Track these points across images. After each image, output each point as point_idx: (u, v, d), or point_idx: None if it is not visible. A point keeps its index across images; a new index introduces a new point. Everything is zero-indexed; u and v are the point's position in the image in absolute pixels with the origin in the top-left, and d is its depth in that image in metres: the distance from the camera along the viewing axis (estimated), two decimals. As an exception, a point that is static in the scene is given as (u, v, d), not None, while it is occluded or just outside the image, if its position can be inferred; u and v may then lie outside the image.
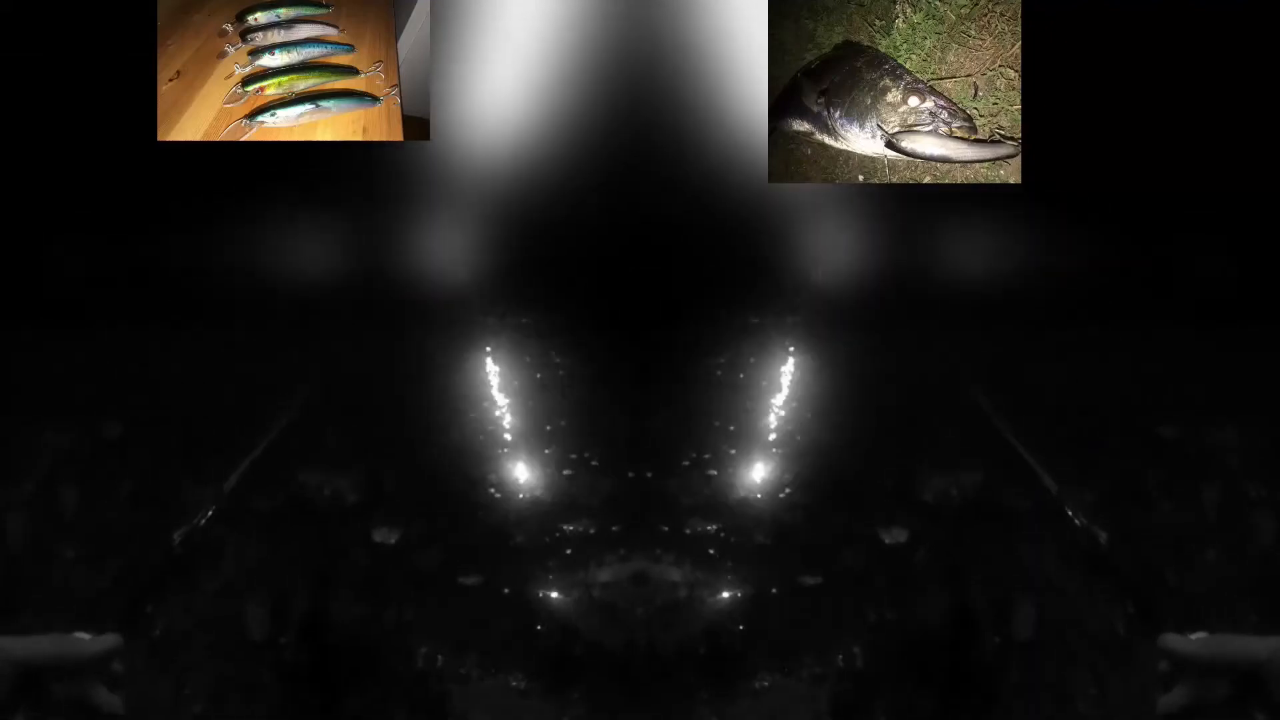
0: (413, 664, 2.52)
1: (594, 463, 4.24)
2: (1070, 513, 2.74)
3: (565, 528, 3.53)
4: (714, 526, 3.54)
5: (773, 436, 4.64)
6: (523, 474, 4.09)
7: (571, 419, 4.79)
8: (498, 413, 5.16)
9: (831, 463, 4.10)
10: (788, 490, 3.93)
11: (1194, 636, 1.01)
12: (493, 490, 3.91)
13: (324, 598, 2.54)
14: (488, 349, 6.19)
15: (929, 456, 3.85)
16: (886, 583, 2.90)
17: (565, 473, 4.14)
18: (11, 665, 0.94)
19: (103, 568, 2.80)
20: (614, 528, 3.44)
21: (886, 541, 3.16)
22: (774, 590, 2.99)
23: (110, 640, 1.02)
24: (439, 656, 2.59)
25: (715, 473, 3.93)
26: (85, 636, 1.02)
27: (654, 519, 3.61)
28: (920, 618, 2.65)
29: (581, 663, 2.75)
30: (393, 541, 3.18)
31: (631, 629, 2.87)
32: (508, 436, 4.70)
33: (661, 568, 3.26)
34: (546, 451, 4.44)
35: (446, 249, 6.44)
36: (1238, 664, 0.96)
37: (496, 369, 5.83)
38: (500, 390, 5.52)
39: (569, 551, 3.32)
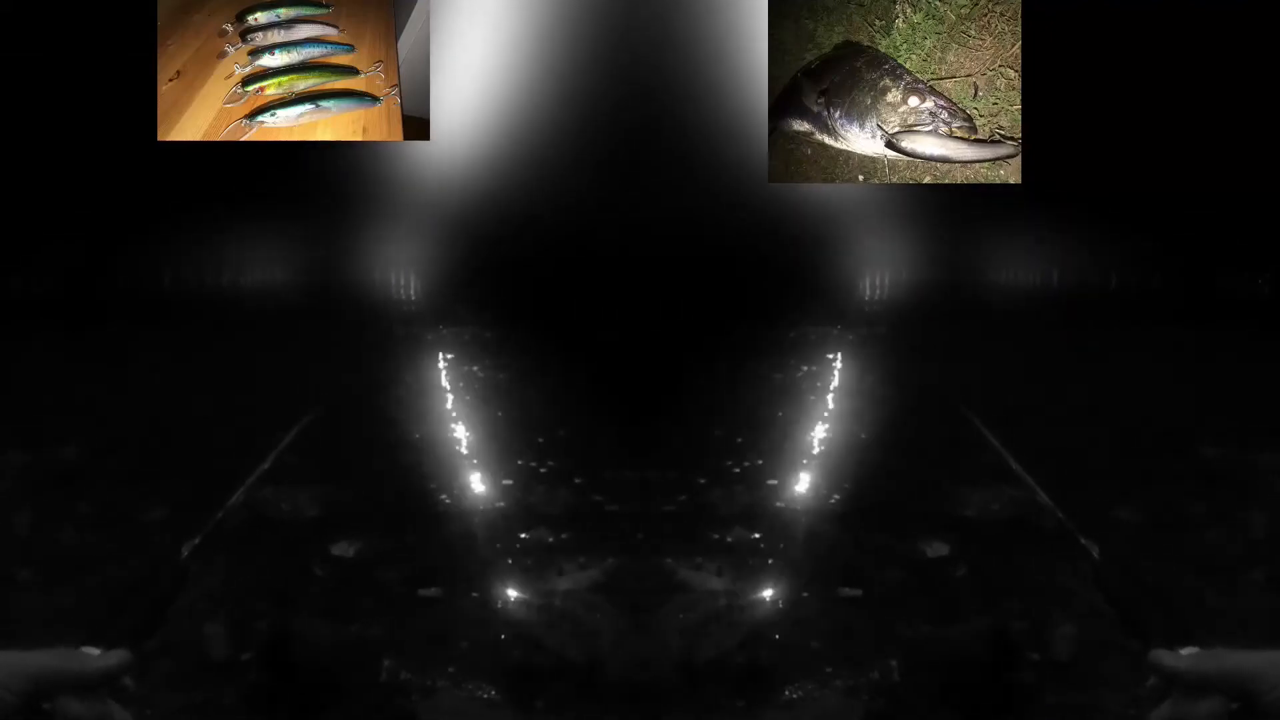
0: (377, 675, 2.49)
1: (605, 474, 4.23)
2: (1068, 527, 2.72)
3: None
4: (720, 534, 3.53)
5: (782, 444, 4.61)
6: (528, 483, 4.07)
7: (572, 426, 4.77)
8: (494, 418, 5.15)
9: (847, 472, 4.08)
10: (771, 498, 3.91)
11: (1184, 651, 1.01)
12: (445, 499, 3.91)
13: (286, 611, 2.51)
14: (480, 354, 6.18)
15: (961, 472, 3.82)
16: (926, 596, 2.87)
17: (575, 480, 4.13)
18: (21, 680, 0.94)
19: (57, 587, 2.78)
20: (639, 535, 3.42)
21: (929, 554, 3.12)
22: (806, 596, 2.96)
23: (120, 655, 1.03)
24: (403, 672, 2.56)
25: (775, 483, 3.86)
26: (94, 651, 1.03)
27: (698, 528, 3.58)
28: (958, 632, 2.63)
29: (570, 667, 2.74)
30: (351, 554, 3.15)
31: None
32: (492, 443, 4.69)
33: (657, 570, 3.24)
34: (550, 464, 4.43)
35: (444, 249, 6.42)
36: (1230, 679, 0.96)
37: (490, 374, 5.82)
38: (496, 392, 5.51)
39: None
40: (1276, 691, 0.91)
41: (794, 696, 2.35)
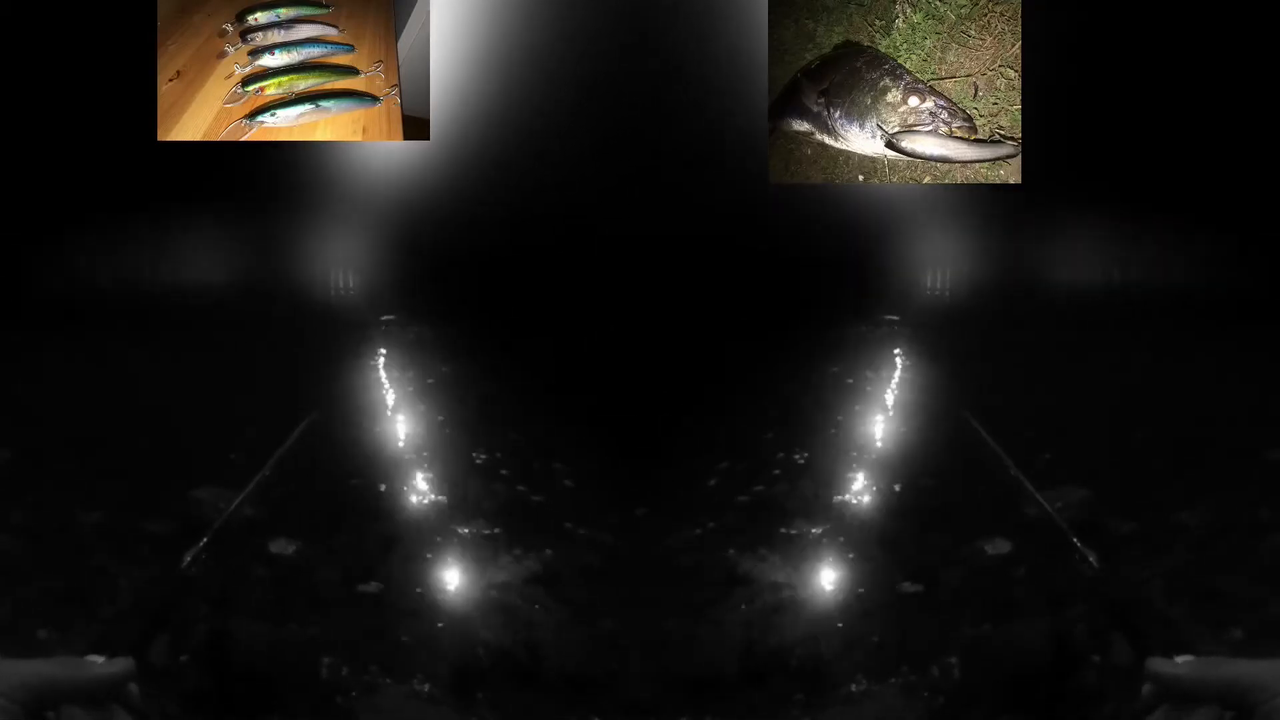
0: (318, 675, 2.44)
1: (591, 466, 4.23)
2: (1066, 530, 2.70)
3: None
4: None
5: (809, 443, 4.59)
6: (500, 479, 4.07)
7: (574, 428, 4.77)
8: (489, 418, 5.15)
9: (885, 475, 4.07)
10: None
11: (1180, 659, 1.01)
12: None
13: (223, 615, 2.47)
14: (479, 352, 6.18)
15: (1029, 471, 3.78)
16: (988, 597, 2.82)
17: (567, 483, 4.13)
18: (24, 690, 0.94)
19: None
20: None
21: (989, 552, 3.08)
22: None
23: (125, 663, 1.02)
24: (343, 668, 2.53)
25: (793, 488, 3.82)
26: (99, 659, 1.02)
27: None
28: (1018, 634, 2.59)
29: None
30: (290, 552, 3.09)
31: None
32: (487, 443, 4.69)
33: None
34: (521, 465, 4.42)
35: (444, 249, 6.44)
36: (1226, 688, 0.96)
37: (484, 374, 5.82)
38: (488, 395, 5.50)
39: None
40: (1274, 702, 0.91)
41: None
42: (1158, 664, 1.00)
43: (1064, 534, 2.63)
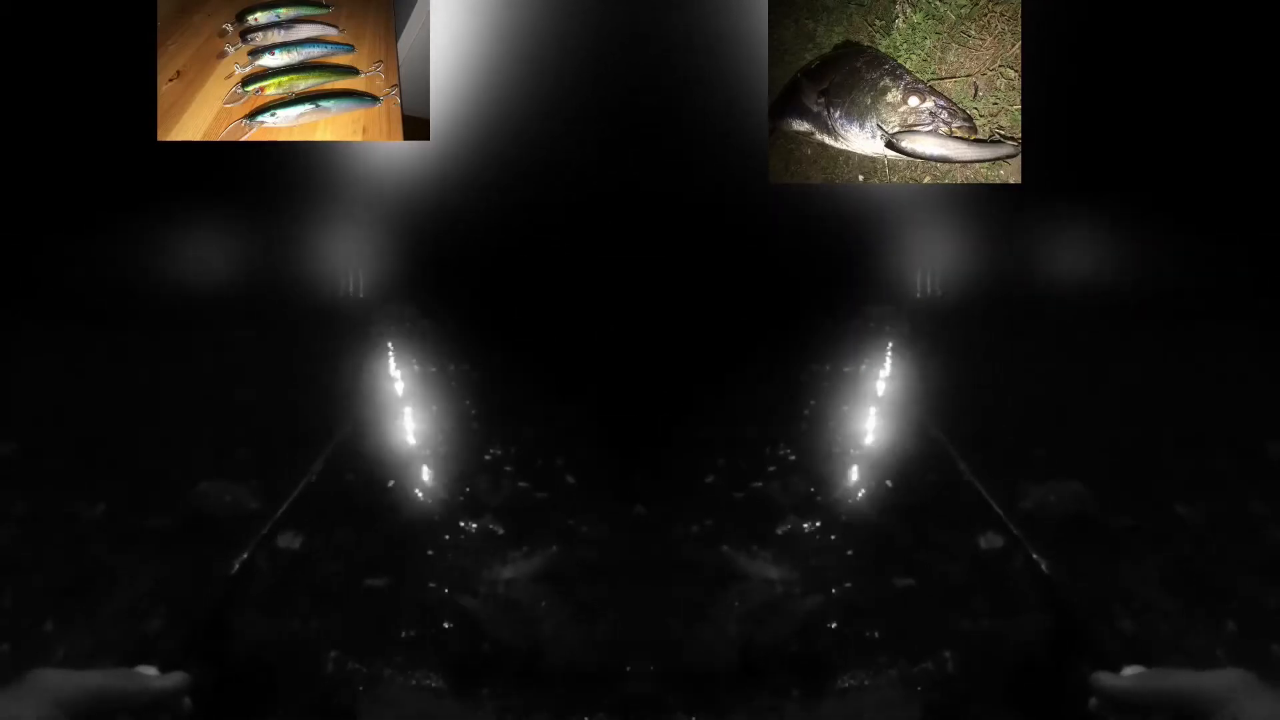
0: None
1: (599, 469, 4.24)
2: (1020, 539, 2.69)
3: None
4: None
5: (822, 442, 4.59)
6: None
7: (582, 426, 4.78)
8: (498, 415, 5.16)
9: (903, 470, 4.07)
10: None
11: (1127, 672, 1.00)
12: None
13: (228, 608, 2.46)
14: (485, 353, 6.18)
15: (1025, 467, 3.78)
16: (982, 591, 2.82)
17: (567, 480, 4.13)
18: (77, 701, 0.94)
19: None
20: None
21: (983, 547, 3.08)
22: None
23: (178, 677, 1.02)
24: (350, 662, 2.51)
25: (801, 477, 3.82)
26: (152, 671, 1.02)
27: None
28: (1013, 629, 2.58)
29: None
30: (296, 547, 3.08)
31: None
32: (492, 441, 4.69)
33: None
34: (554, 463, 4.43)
35: (444, 249, 6.43)
36: (1175, 700, 0.95)
37: (483, 374, 5.83)
38: (485, 394, 5.51)
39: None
40: (1222, 712, 0.89)
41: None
42: (1104, 678, 0.99)
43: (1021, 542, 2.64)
